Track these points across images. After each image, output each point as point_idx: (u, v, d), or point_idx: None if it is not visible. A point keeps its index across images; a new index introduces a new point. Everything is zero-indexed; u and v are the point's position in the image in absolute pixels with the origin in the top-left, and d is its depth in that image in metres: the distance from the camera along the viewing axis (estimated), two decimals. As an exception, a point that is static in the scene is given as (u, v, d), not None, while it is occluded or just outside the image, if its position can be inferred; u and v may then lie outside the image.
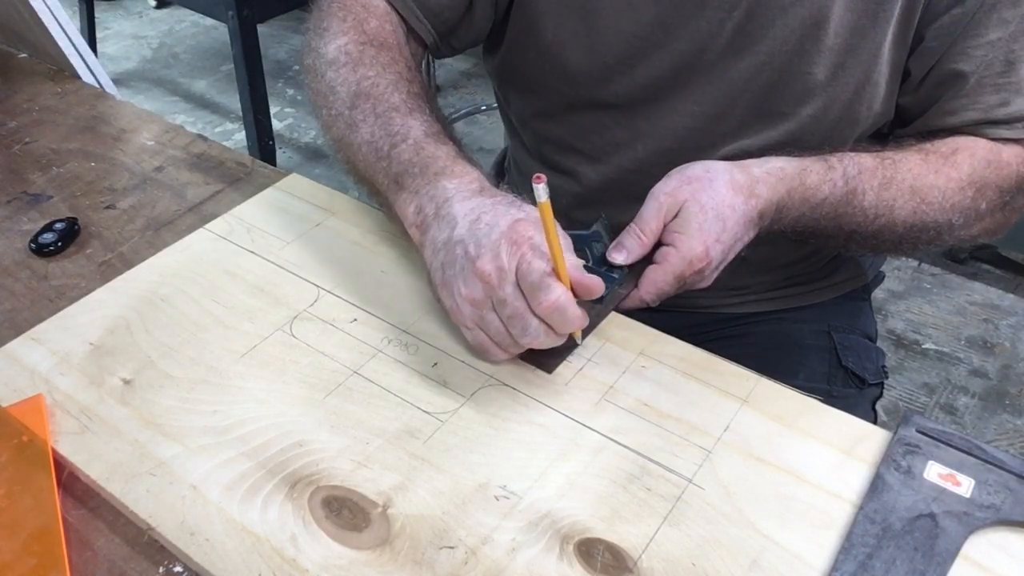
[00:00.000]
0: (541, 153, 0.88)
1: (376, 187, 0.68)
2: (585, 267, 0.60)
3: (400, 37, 0.76)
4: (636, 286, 0.65)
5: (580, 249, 0.62)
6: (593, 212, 0.72)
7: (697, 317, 0.89)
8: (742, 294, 0.89)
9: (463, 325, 0.60)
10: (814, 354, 0.88)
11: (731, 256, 0.66)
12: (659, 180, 0.67)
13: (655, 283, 0.63)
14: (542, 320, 0.56)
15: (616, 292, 0.63)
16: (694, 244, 0.62)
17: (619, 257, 0.64)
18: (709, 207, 0.63)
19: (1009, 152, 0.73)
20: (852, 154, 0.70)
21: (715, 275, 0.66)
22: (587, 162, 0.83)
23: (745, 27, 0.70)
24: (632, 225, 0.64)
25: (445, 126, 0.69)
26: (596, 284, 0.57)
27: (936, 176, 0.71)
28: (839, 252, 0.89)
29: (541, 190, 0.52)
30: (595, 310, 0.63)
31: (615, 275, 0.64)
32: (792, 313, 0.90)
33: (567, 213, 0.85)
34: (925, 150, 0.72)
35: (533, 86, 0.83)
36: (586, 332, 0.64)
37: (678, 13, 0.71)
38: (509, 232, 0.56)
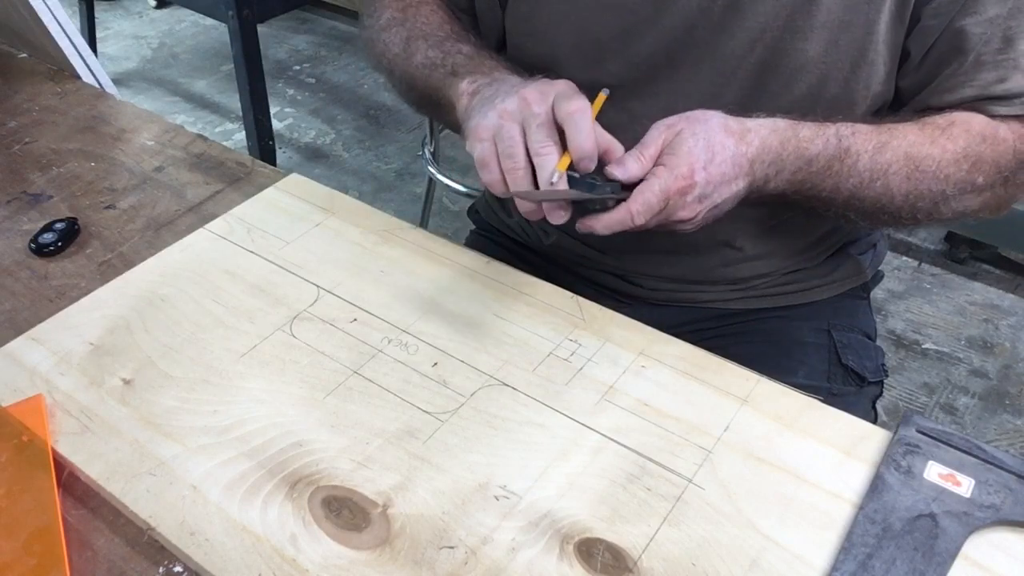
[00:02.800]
0: None
1: (431, 89, 0.78)
2: (580, 177, 0.63)
3: None
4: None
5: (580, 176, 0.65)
6: None
7: (697, 313, 0.89)
8: (742, 290, 0.89)
9: (478, 139, 0.66)
10: (814, 352, 0.88)
11: (717, 198, 0.67)
12: None
13: (643, 193, 0.65)
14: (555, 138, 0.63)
15: (605, 195, 0.64)
16: (680, 162, 0.65)
17: (617, 171, 0.65)
18: (701, 136, 0.66)
19: (1006, 129, 0.73)
20: (847, 121, 0.72)
21: (698, 210, 0.66)
22: None
23: (735, 3, 0.71)
24: (634, 149, 0.67)
25: (490, 51, 0.80)
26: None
27: (932, 146, 0.72)
28: (841, 222, 0.88)
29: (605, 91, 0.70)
30: (582, 201, 0.64)
31: (608, 188, 0.65)
32: (792, 311, 0.90)
33: None
34: (922, 121, 0.74)
35: (532, 73, 0.84)
36: (572, 219, 0.65)
37: None
38: (546, 78, 0.69)
